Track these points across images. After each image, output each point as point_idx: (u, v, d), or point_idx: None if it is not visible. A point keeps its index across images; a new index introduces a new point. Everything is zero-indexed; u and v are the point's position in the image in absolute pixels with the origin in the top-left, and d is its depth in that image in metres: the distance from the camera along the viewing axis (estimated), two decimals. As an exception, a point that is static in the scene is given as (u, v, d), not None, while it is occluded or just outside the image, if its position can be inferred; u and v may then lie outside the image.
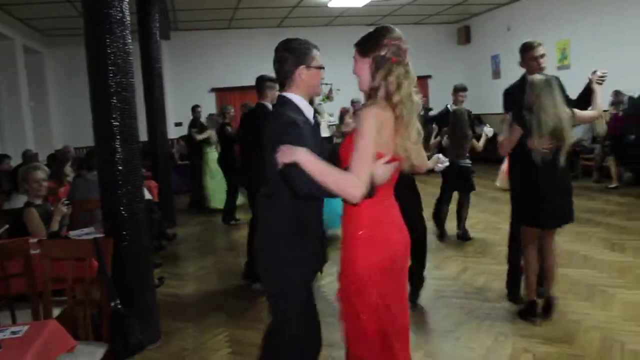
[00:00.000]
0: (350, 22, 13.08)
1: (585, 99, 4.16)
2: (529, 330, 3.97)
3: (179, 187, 11.15)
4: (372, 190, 2.14)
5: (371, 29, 2.31)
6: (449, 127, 6.34)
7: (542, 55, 4.16)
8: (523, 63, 4.27)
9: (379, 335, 2.31)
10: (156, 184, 7.76)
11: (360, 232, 2.28)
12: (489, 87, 13.37)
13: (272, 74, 2.82)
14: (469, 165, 6.32)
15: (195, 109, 10.29)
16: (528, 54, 4.19)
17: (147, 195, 6.07)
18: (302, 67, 2.52)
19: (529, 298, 4.14)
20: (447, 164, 2.94)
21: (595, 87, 4.08)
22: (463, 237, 6.51)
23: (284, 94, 2.57)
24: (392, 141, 2.23)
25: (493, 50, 13.47)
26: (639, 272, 5.00)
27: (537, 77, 3.80)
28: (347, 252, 2.31)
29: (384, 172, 2.22)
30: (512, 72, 4.72)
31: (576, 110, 3.87)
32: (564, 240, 5.68)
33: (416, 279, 4.52)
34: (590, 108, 4.07)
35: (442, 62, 14.37)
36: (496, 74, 13.47)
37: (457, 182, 6.36)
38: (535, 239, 4.06)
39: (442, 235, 6.63)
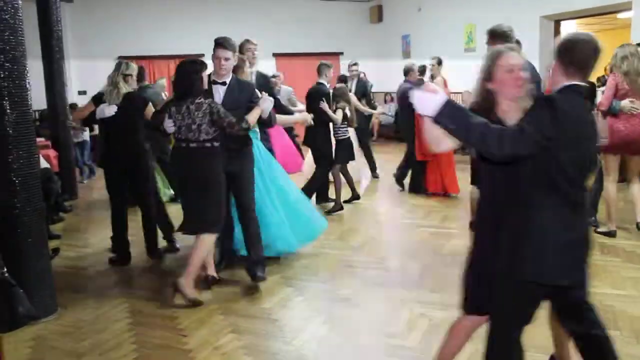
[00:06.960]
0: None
1: None
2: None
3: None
4: None
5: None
6: None
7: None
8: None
9: None
10: (56, 153, 7.41)
11: None
12: (399, 66, 13.66)
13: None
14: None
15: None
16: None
17: (44, 164, 5.80)
18: None
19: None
20: None
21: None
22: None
23: None
24: None
25: (404, 30, 13.73)
26: None
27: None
28: None
29: None
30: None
31: None
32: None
33: None
34: None
35: (354, 39, 14.49)
36: (406, 53, 13.77)
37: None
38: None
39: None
